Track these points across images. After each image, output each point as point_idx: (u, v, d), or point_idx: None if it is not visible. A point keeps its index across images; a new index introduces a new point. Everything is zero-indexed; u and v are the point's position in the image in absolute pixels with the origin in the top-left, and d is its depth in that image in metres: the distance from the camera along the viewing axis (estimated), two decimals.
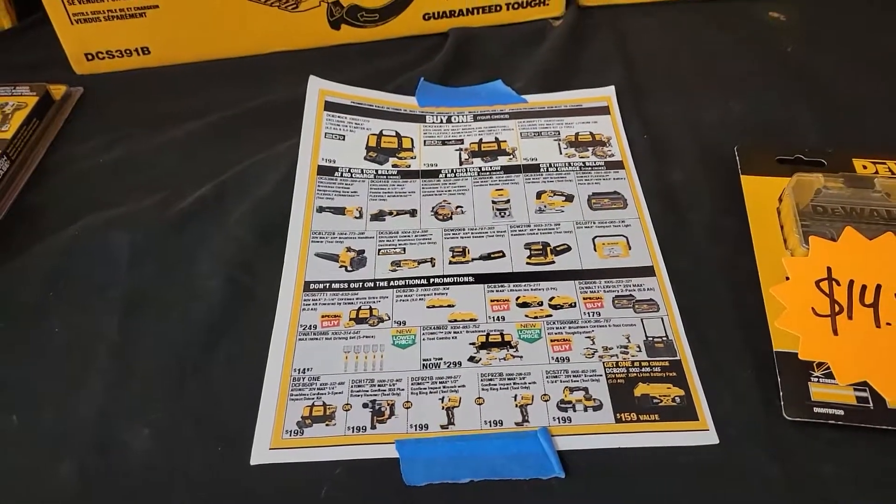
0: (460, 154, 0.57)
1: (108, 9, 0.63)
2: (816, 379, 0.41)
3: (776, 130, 0.57)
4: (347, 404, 0.42)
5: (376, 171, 0.56)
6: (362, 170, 0.56)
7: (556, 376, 0.43)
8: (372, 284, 0.48)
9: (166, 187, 0.54)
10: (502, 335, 0.45)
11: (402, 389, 0.42)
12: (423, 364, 0.44)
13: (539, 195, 0.54)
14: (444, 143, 0.58)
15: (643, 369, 0.43)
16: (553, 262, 0.49)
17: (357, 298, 0.47)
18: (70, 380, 0.43)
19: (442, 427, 0.41)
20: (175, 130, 0.60)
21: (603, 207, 0.52)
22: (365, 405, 0.42)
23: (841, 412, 0.40)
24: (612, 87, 0.61)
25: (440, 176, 0.55)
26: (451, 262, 0.49)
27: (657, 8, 0.71)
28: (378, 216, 0.52)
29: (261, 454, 0.40)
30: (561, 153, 0.57)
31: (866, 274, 0.44)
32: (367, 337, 0.45)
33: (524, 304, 0.47)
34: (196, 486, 0.39)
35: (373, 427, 0.41)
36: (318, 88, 0.61)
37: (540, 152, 0.57)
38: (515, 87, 0.63)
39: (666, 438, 0.40)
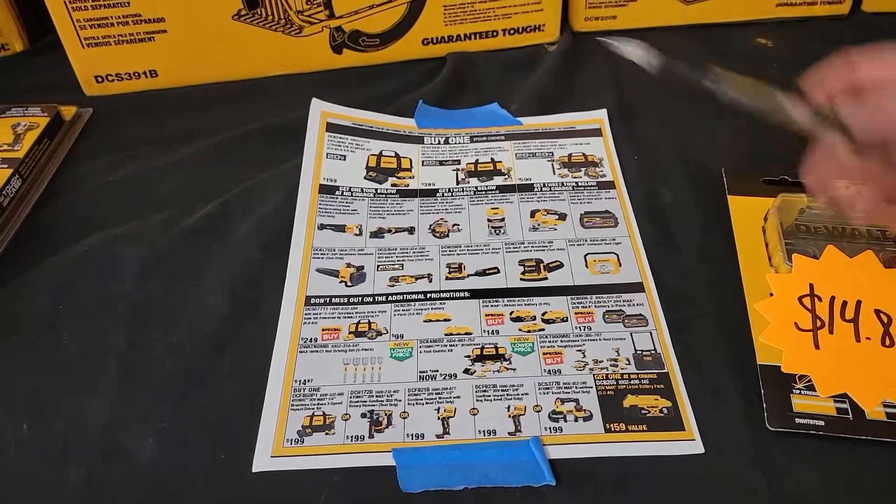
0: (457, 174, 0.59)
1: (119, 33, 0.65)
2: (798, 391, 0.42)
3: (762, 153, 0.58)
4: (346, 414, 0.43)
5: (376, 189, 0.58)
6: (362, 189, 0.58)
7: (548, 388, 0.44)
8: (371, 299, 0.50)
9: (173, 205, 0.56)
10: (496, 348, 0.46)
11: (400, 400, 0.44)
12: (420, 376, 0.45)
13: (533, 214, 0.55)
14: (441, 163, 0.60)
15: (632, 381, 0.44)
16: (546, 279, 0.51)
17: (356, 312, 0.49)
18: (78, 390, 0.45)
19: (437, 436, 0.42)
20: (181, 150, 0.62)
21: (594, 226, 0.54)
22: (363, 415, 0.43)
23: (822, 423, 0.41)
24: (605, 111, 0.63)
25: (437, 195, 0.57)
26: (447, 278, 0.51)
27: (649, 34, 0.73)
28: (377, 233, 0.54)
29: (262, 461, 0.41)
30: (554, 173, 0.59)
31: (847, 290, 0.45)
32: (365, 350, 0.47)
33: (518, 319, 0.48)
34: (200, 493, 0.40)
35: (371, 436, 0.42)
36: (320, 110, 0.63)
37: (534, 172, 0.59)
38: (511, 110, 0.65)
39: (653, 448, 0.41)
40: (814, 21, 0.73)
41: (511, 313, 0.48)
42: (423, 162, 0.60)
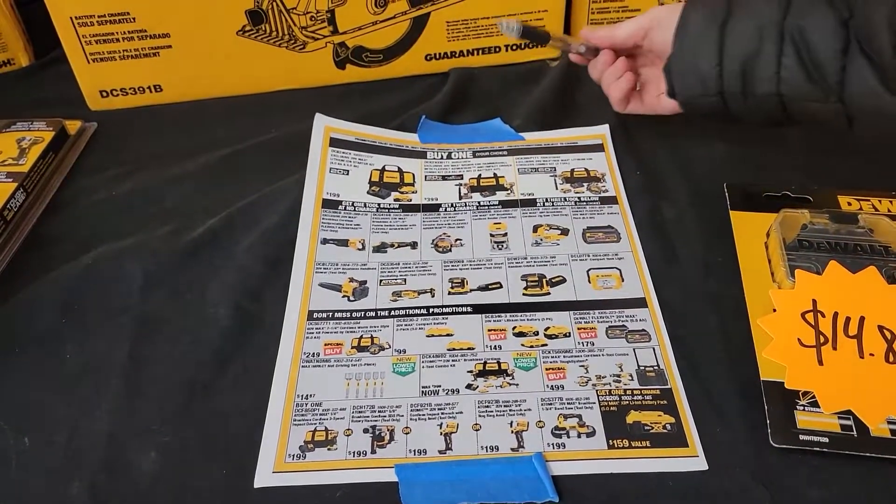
0: (460, 189, 0.59)
1: (124, 48, 0.65)
2: (802, 407, 0.42)
3: (763, 168, 0.59)
4: (349, 429, 0.43)
5: (379, 204, 0.58)
6: (365, 203, 0.58)
7: (550, 403, 0.44)
8: (373, 314, 0.50)
9: (176, 219, 0.56)
10: (499, 363, 0.46)
11: (402, 415, 0.44)
12: (423, 391, 0.45)
13: (536, 229, 0.55)
14: (444, 178, 0.60)
15: (635, 397, 0.44)
16: (549, 294, 0.51)
17: (359, 327, 0.49)
18: (81, 403, 0.45)
19: (440, 452, 0.42)
20: (185, 164, 0.62)
21: (597, 241, 0.54)
22: (366, 430, 0.43)
23: (826, 440, 0.41)
24: (607, 126, 0.64)
25: (440, 210, 0.57)
26: (450, 293, 0.51)
27: None
28: (380, 248, 0.54)
29: (264, 477, 0.41)
30: (557, 188, 0.59)
31: (850, 306, 0.45)
32: (368, 364, 0.46)
33: (520, 334, 0.48)
34: None
35: (373, 452, 0.42)
36: (323, 125, 0.63)
37: (537, 187, 0.59)
38: (513, 125, 0.65)
39: (656, 464, 0.41)
40: None
41: (514, 328, 0.48)
42: (425, 177, 0.60)
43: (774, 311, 0.46)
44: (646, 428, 0.43)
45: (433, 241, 0.55)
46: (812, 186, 0.56)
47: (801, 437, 0.41)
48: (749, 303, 0.48)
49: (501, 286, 0.51)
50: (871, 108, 0.47)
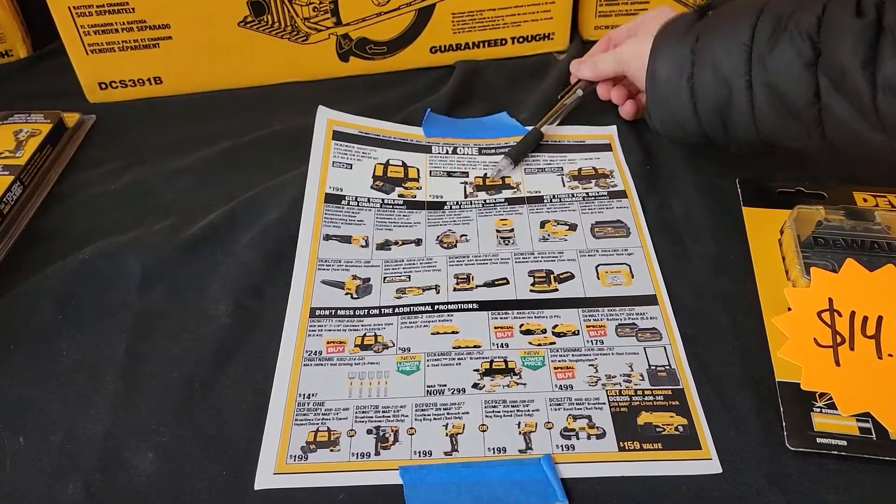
0: (465, 187, 0.58)
1: (123, 39, 0.64)
2: (819, 409, 0.41)
3: (776, 163, 0.57)
4: (352, 430, 0.42)
5: (382, 200, 0.57)
6: (369, 199, 0.57)
7: (559, 404, 0.43)
8: (377, 311, 0.48)
9: (176, 213, 0.55)
10: (506, 362, 0.45)
11: (406, 416, 0.43)
12: (427, 390, 0.44)
13: (543, 224, 0.54)
14: (449, 174, 0.59)
15: (646, 398, 0.43)
16: (556, 290, 0.49)
17: (362, 325, 0.48)
18: (77, 402, 0.44)
19: (445, 453, 0.41)
20: (185, 158, 0.61)
21: (606, 236, 0.53)
22: (369, 431, 0.42)
23: (844, 443, 0.40)
24: (615, 127, 0.62)
25: (445, 207, 0.56)
26: (455, 289, 0.50)
27: None
28: (384, 245, 0.53)
29: (265, 479, 0.40)
30: (564, 186, 0.58)
31: (867, 305, 0.44)
32: (371, 363, 0.45)
33: (528, 332, 0.47)
34: None
35: (377, 453, 0.41)
36: (326, 118, 0.62)
37: (543, 185, 0.58)
38: (520, 119, 0.64)
39: (669, 467, 0.40)
40: None
41: (521, 326, 0.47)
42: (430, 172, 0.59)
43: (789, 309, 0.45)
44: (657, 429, 0.41)
45: (438, 237, 0.54)
46: (826, 182, 0.54)
47: (819, 440, 0.40)
48: (763, 301, 0.47)
49: (508, 282, 0.50)
50: (853, 141, 0.46)
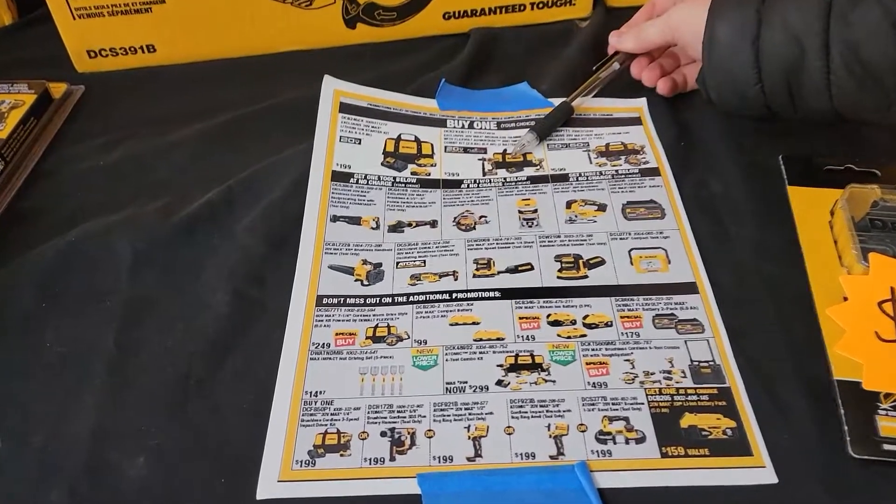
0: (483, 164, 0.54)
1: (113, 3, 0.60)
2: (884, 412, 0.37)
3: (822, 138, 0.53)
4: (364, 432, 0.38)
5: (394, 178, 0.52)
6: (379, 177, 0.52)
7: (593, 404, 0.39)
8: (390, 300, 0.45)
9: (170, 192, 0.52)
10: (532, 356, 0.41)
11: (424, 416, 0.39)
12: (447, 388, 0.40)
13: (569, 204, 0.50)
14: (466, 150, 0.55)
15: (689, 397, 0.39)
16: (586, 277, 0.45)
17: (374, 315, 0.44)
18: (61, 399, 0.41)
19: (468, 459, 0.37)
20: (181, 132, 0.58)
21: (639, 217, 0.49)
22: (383, 433, 0.38)
23: None
24: (644, 100, 0.58)
25: (462, 186, 0.52)
26: (474, 276, 0.46)
27: None
28: (396, 227, 0.49)
29: (268, 488, 0.36)
30: (591, 163, 0.53)
31: None
32: (384, 357, 0.42)
33: (555, 323, 0.43)
34: None
35: (392, 458, 0.37)
36: (332, 89, 0.58)
37: (568, 163, 0.54)
38: (540, 90, 0.59)
39: (718, 476, 0.36)
40: None
41: (548, 316, 0.43)
42: (445, 148, 0.55)
43: (845, 299, 0.41)
44: (703, 433, 0.38)
45: (455, 218, 0.50)
46: (879, 159, 0.50)
47: (885, 446, 0.36)
48: (814, 289, 0.43)
49: (532, 268, 0.46)
50: None
